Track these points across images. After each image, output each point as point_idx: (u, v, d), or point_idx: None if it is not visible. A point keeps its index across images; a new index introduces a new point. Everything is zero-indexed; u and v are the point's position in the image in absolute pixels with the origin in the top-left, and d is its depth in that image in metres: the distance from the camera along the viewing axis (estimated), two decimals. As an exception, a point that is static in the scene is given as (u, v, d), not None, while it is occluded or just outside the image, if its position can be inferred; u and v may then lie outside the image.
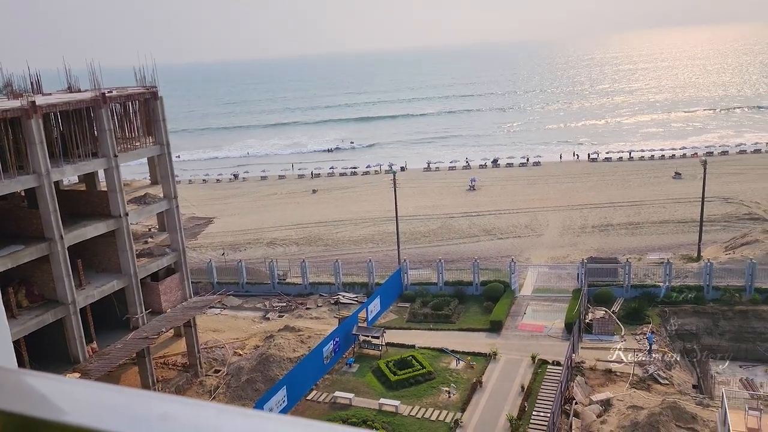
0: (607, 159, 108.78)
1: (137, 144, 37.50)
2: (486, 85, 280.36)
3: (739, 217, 67.37)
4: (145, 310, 37.09)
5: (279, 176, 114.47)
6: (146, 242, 40.85)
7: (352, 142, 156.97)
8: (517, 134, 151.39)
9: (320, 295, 54.03)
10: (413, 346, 42.20)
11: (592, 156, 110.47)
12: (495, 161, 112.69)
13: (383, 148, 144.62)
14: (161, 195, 39.49)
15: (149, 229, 43.92)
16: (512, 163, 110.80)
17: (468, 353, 40.74)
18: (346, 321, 43.84)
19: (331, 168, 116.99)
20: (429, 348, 41.92)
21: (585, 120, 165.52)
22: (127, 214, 35.55)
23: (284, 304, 52.89)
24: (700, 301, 46.38)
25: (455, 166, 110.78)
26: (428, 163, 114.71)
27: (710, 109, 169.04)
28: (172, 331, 43.20)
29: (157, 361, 41.21)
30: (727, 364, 42.78)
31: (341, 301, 52.29)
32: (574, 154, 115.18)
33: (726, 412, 25.89)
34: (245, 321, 50.30)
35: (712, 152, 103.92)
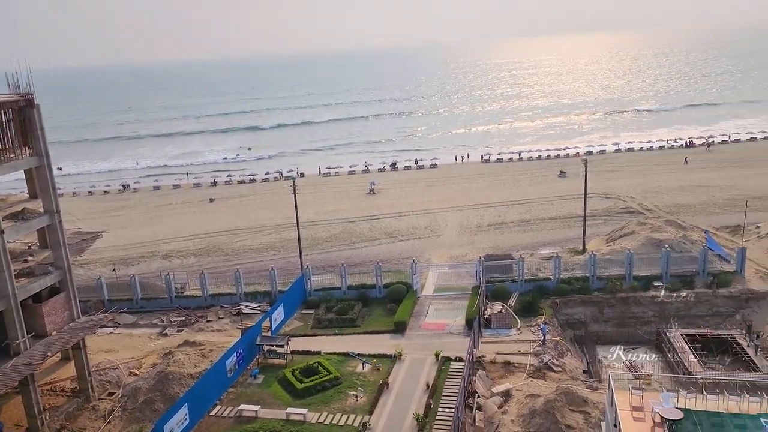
0: (499, 160, 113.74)
1: (12, 156, 34.74)
2: (387, 90, 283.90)
3: (618, 211, 72.63)
4: (28, 334, 34.41)
5: (173, 186, 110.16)
6: (26, 261, 37.91)
7: (249, 149, 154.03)
8: (416, 139, 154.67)
9: (221, 306, 52.52)
10: (319, 353, 42.00)
11: (485, 157, 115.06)
12: (393, 164, 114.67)
13: (283, 155, 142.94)
14: (41, 209, 36.84)
15: (29, 247, 40.81)
16: (410, 166, 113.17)
17: (374, 356, 41.10)
18: (249, 331, 42.90)
19: (229, 176, 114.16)
20: (335, 353, 41.89)
21: (479, 125, 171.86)
22: (2, 232, 32.86)
23: (183, 318, 50.90)
24: (587, 291, 49.51)
25: (355, 171, 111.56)
26: (328, 168, 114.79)
27: (591, 113, 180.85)
28: (59, 354, 40.38)
29: (43, 388, 38.36)
30: (616, 354, 45.92)
31: (244, 311, 51.10)
32: (467, 155, 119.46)
33: (613, 393, 27.75)
34: (141, 339, 47.92)
35: (592, 152, 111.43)
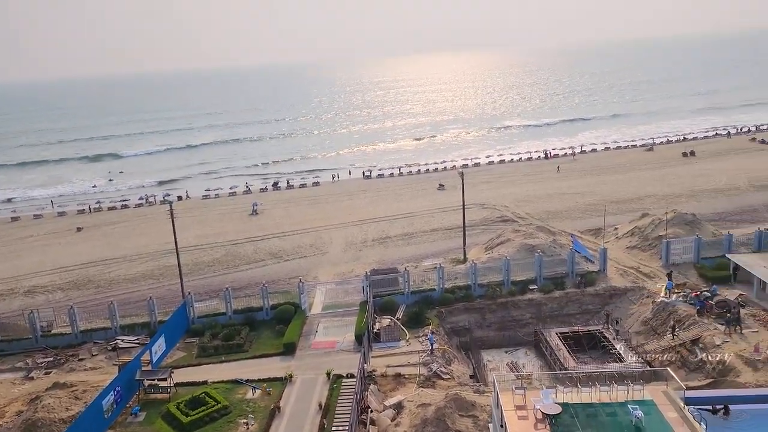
0: (381, 175, 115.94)
1: None
2: (264, 111, 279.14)
3: (494, 220, 76.41)
4: None
5: (34, 216, 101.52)
6: None
7: (121, 172, 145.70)
8: (297, 158, 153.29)
9: (95, 342, 48.90)
10: (205, 382, 40.29)
11: (366, 173, 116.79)
12: (276, 184, 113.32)
13: (160, 178, 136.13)
14: None
15: None
16: (293, 185, 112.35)
17: (263, 380, 40.07)
18: (127, 367, 40.29)
19: (98, 202, 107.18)
20: (222, 381, 40.37)
21: (360, 143, 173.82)
22: None
23: (51, 358, 46.81)
24: (469, 299, 51.51)
25: (236, 192, 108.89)
26: (207, 191, 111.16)
27: (467, 128, 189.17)
28: None
29: None
30: (499, 356, 47.98)
31: (120, 345, 47.91)
32: (349, 172, 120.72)
33: (498, 394, 29.00)
34: (2, 385, 43.47)
35: (468, 165, 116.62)
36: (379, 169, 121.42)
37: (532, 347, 49.47)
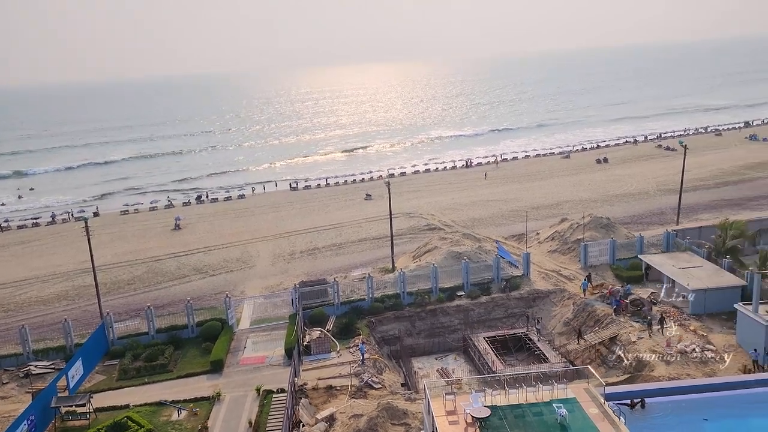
0: (307, 186, 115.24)
1: None
2: (191, 123, 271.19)
3: (421, 228, 77.43)
4: None
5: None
6: None
7: (32, 188, 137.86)
8: (222, 172, 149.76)
9: (5, 370, 45.82)
10: (128, 406, 38.56)
11: (293, 185, 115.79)
12: (199, 197, 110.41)
13: (74, 195, 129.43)
14: None
15: None
16: (217, 198, 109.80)
17: (190, 400, 38.77)
18: (41, 394, 38.00)
19: (6, 221, 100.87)
20: (146, 404, 38.77)
21: (286, 156, 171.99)
22: None
23: (-45, 390, 43.50)
24: (399, 307, 51.90)
25: (157, 206, 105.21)
26: (126, 206, 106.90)
27: (392, 138, 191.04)
28: None
29: None
30: (429, 363, 48.45)
31: (33, 371, 45.09)
32: (276, 184, 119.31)
33: (429, 401, 29.29)
34: None
35: (394, 174, 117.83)
36: (306, 181, 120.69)
37: (461, 352, 50.37)
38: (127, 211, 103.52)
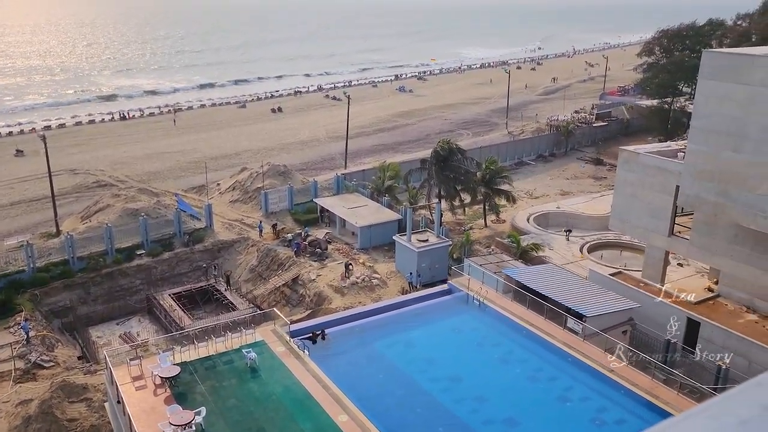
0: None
1: None
2: None
3: (89, 186, 69.98)
4: None
5: None
6: None
7: None
8: None
9: None
10: None
11: None
12: None
13: None
14: None
15: None
16: None
17: None
18: None
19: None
20: None
21: None
22: None
23: None
24: (69, 275, 46.60)
25: None
26: None
27: (46, 84, 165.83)
28: None
29: None
30: (110, 330, 44.92)
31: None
32: None
33: (111, 370, 27.35)
34: None
35: (51, 126, 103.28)
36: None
37: (146, 314, 48.00)
38: None
